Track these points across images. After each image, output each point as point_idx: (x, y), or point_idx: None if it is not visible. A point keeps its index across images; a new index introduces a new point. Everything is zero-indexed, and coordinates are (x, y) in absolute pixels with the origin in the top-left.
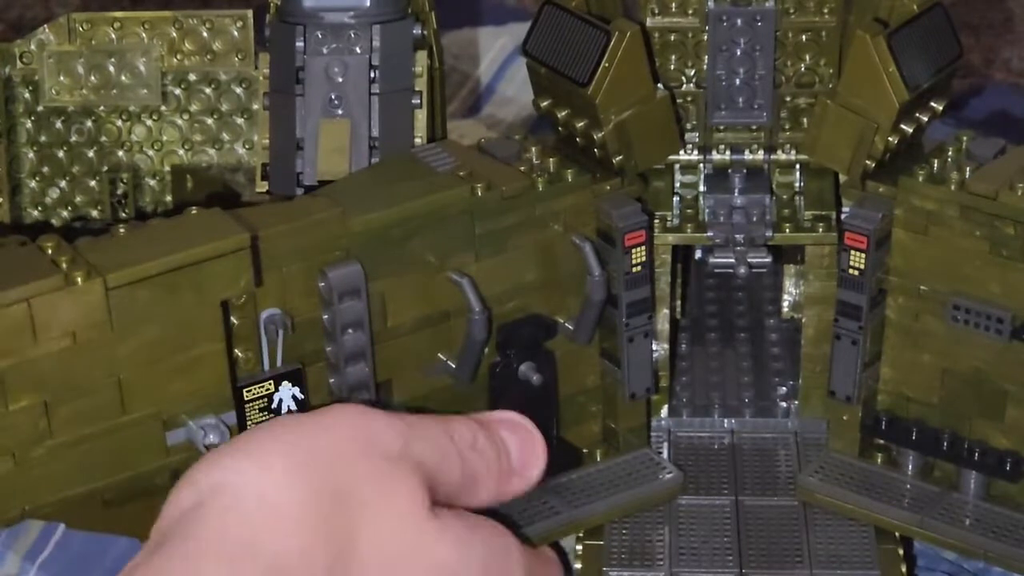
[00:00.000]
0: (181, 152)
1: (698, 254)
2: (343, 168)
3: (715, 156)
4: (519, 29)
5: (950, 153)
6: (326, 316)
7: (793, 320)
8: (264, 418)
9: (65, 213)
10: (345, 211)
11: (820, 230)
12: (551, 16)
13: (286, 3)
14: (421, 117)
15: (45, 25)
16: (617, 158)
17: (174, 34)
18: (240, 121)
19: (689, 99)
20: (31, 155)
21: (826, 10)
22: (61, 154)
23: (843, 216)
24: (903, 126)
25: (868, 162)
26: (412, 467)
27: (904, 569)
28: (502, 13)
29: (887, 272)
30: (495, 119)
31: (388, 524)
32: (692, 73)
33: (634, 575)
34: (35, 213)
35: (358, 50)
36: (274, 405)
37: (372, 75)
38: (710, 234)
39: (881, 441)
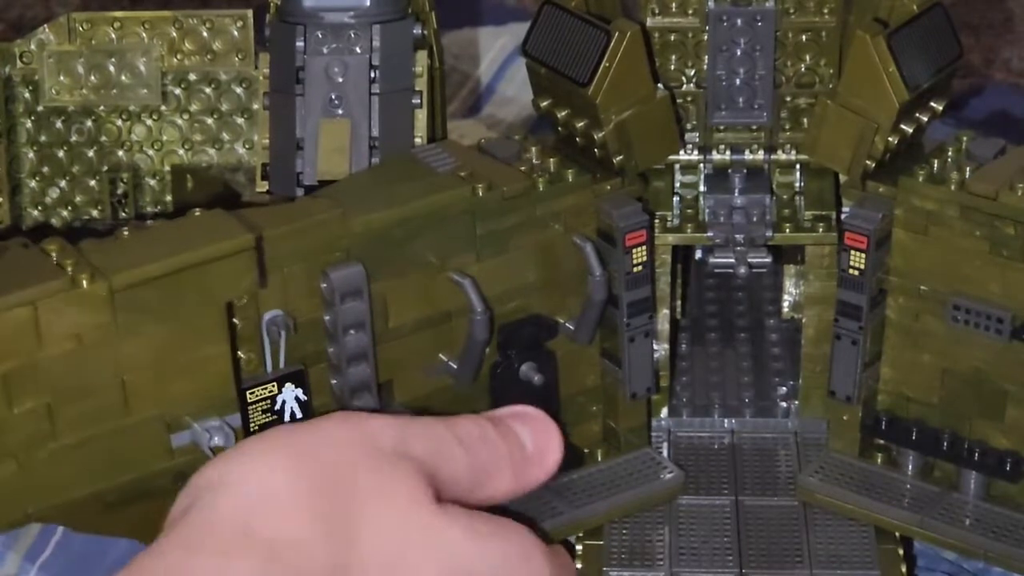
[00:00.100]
0: (181, 152)
1: (698, 254)
2: (343, 168)
3: (715, 156)
4: (519, 29)
5: (950, 153)
6: (328, 317)
7: (793, 320)
8: (267, 419)
9: (65, 213)
10: (346, 212)
11: (820, 230)
12: (551, 16)
13: (286, 3)
14: (421, 117)
15: (45, 25)
16: (617, 158)
17: (174, 34)
18: (240, 121)
19: (689, 99)
20: (31, 155)
21: (826, 10)
22: (61, 154)
23: (843, 216)
24: (903, 126)
25: (868, 162)
26: (411, 464)
27: (904, 569)
28: (502, 13)
29: (887, 272)
30: (495, 119)
31: (390, 519)
32: (692, 73)
33: (634, 575)
34: (35, 213)
35: (358, 50)
36: (277, 407)
37: (372, 75)
38: (710, 234)
39: (881, 441)
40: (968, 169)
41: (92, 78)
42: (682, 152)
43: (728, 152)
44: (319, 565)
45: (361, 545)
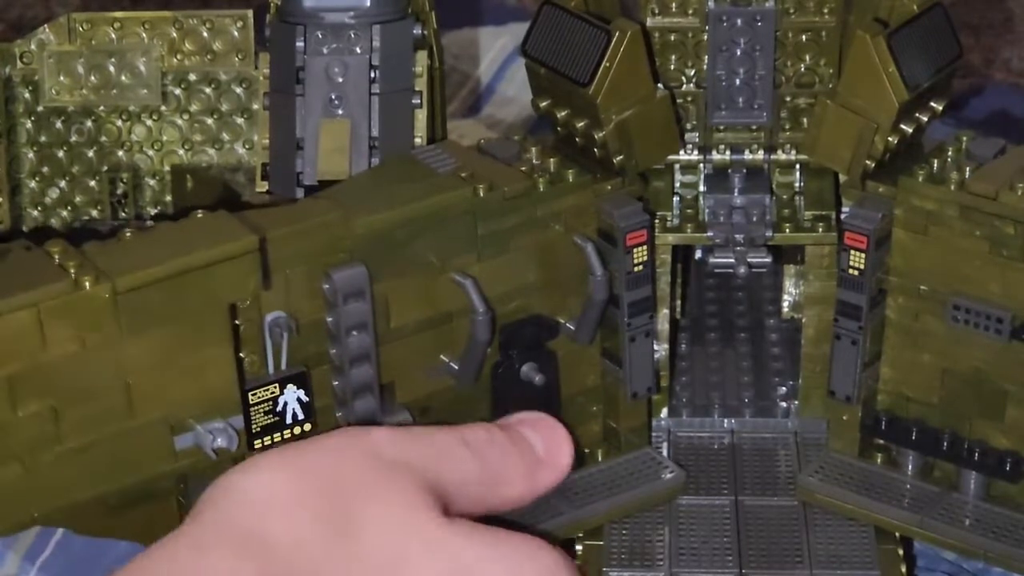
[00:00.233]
0: (181, 152)
1: (698, 254)
2: (343, 168)
3: (715, 156)
4: (519, 29)
5: (950, 153)
6: (330, 318)
7: (793, 320)
8: (270, 421)
9: (65, 213)
10: (348, 213)
11: (820, 230)
12: (550, 16)
13: (286, 3)
14: (421, 117)
15: (45, 25)
16: (618, 158)
17: (174, 34)
18: (240, 121)
19: (689, 99)
20: (31, 155)
21: (826, 10)
22: (61, 154)
23: (843, 216)
24: (903, 126)
25: (868, 162)
26: (413, 472)
27: (904, 569)
28: (502, 13)
29: (887, 272)
30: (495, 119)
31: (390, 524)
32: (692, 73)
33: (634, 575)
34: (35, 213)
35: (358, 50)
36: (279, 408)
37: (372, 75)
38: (710, 234)
39: (881, 441)
40: (968, 169)
41: (92, 78)
42: (682, 152)
43: (728, 152)
44: (318, 566)
45: (362, 548)
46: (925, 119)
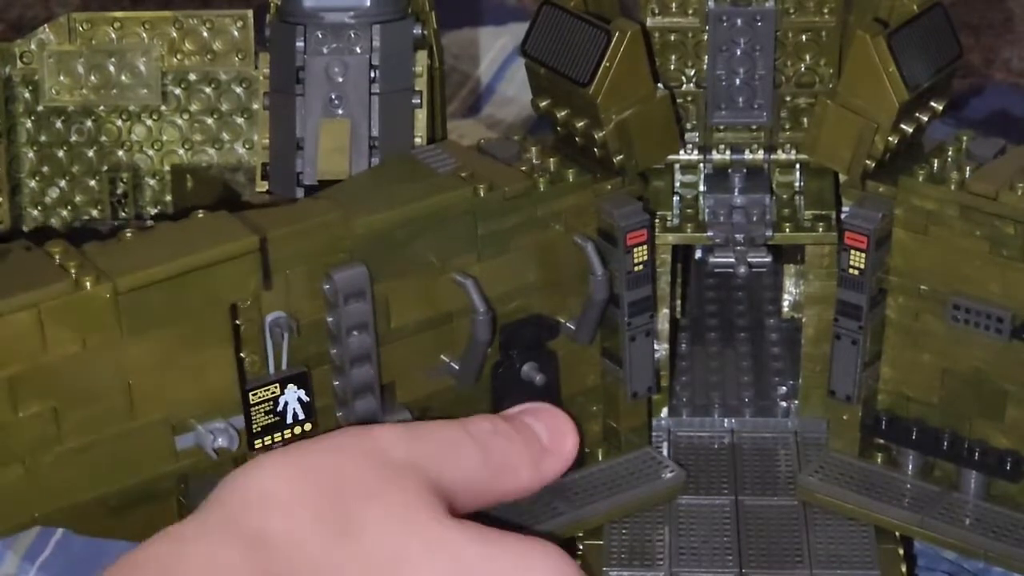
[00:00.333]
0: (181, 152)
1: (698, 254)
2: (343, 168)
3: (715, 156)
4: (519, 29)
5: (950, 153)
6: (331, 318)
7: (793, 320)
8: (270, 421)
9: (65, 213)
10: (348, 213)
11: (820, 230)
12: (550, 16)
13: (286, 3)
14: (421, 117)
15: (45, 25)
16: (618, 158)
17: (174, 34)
18: (240, 121)
19: (689, 99)
20: (31, 155)
21: (826, 10)
22: (61, 154)
23: (843, 216)
24: (903, 126)
25: (868, 162)
26: (417, 472)
27: (904, 569)
28: (502, 13)
29: (887, 272)
30: (495, 119)
31: (391, 524)
32: (692, 73)
33: (634, 575)
34: (35, 213)
35: (358, 50)
36: (280, 408)
37: (372, 75)
38: (710, 234)
39: (881, 441)
40: (968, 169)
41: (92, 78)
42: (682, 152)
43: (728, 152)
44: (318, 565)
45: (363, 548)
46: (925, 119)
